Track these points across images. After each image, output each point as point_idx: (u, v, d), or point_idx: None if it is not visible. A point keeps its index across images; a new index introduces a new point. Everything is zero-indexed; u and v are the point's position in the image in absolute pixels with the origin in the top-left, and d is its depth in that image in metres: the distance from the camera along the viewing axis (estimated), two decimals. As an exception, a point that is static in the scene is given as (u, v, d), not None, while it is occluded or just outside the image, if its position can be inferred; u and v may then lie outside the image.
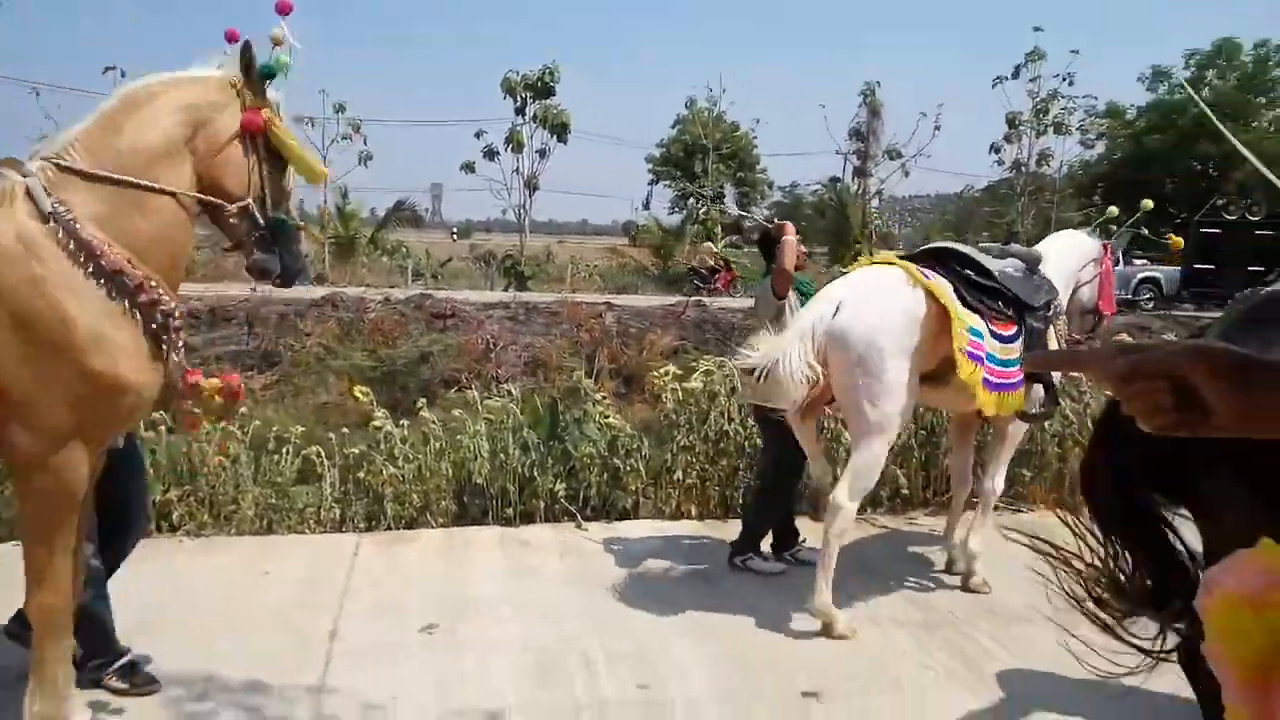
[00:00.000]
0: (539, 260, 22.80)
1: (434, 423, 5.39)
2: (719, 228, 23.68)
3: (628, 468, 5.33)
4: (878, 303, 3.88)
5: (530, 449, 5.32)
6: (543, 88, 21.88)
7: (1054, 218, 19.69)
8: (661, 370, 5.78)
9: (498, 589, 4.25)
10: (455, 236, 42.94)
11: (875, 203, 26.75)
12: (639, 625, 3.91)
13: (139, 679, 3.14)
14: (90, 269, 2.44)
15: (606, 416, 5.48)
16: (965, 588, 4.43)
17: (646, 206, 31.50)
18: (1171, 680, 3.46)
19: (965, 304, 3.95)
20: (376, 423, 5.27)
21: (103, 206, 2.51)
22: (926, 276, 3.94)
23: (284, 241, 2.81)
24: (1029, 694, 3.37)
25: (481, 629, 3.82)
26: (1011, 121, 22.03)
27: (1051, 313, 4.25)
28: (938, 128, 22.51)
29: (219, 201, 2.71)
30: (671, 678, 3.44)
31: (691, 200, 36.60)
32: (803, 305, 4.30)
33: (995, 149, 22.99)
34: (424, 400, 5.89)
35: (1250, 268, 7.79)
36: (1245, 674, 0.81)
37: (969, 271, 4.13)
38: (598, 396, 5.75)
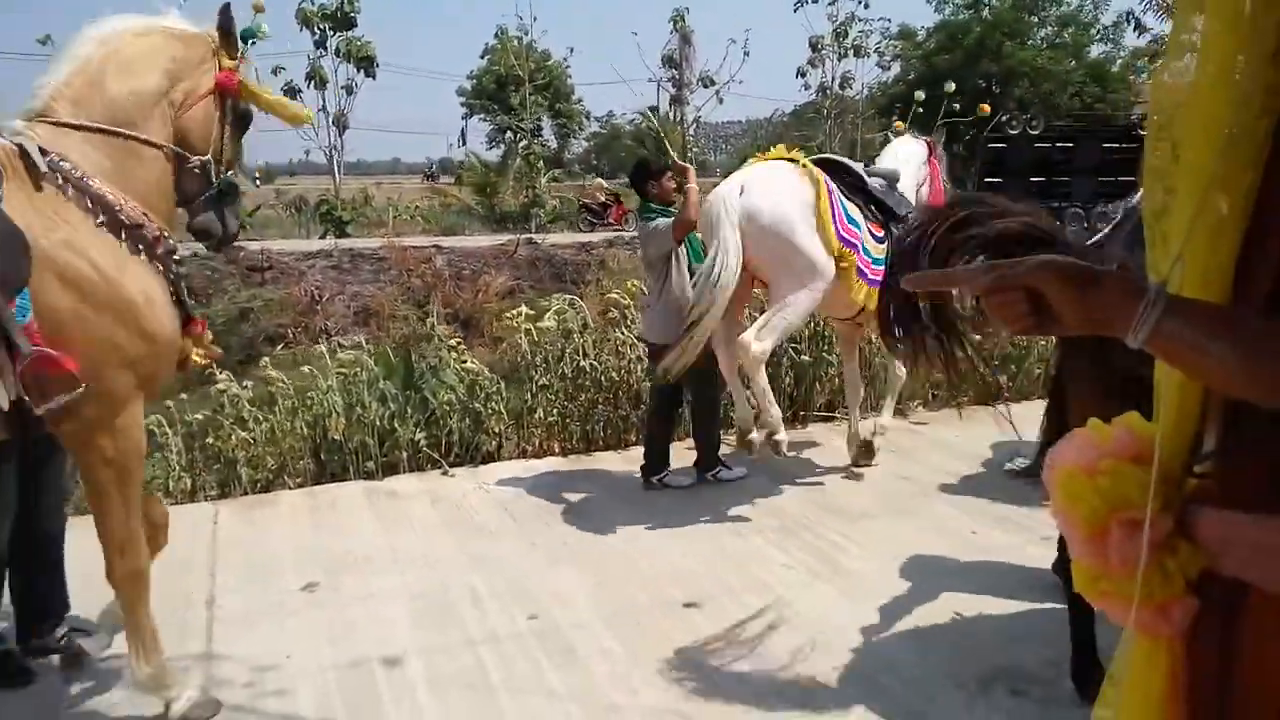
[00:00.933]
0: (356, 204, 21.82)
1: (282, 381, 5.24)
2: (541, 161, 23.44)
3: (489, 411, 5.40)
4: (777, 183, 4.34)
5: (388, 400, 5.29)
6: (343, 19, 20.66)
7: (858, 139, 20.71)
8: (515, 311, 5.83)
9: (372, 541, 4.27)
10: (259, 182, 40.26)
11: (693, 130, 27.19)
12: (518, 562, 4.04)
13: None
14: (111, 224, 2.41)
15: (463, 361, 5.49)
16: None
17: (463, 142, 30.62)
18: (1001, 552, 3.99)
19: (845, 198, 4.47)
20: (220, 385, 5.07)
21: (105, 160, 2.46)
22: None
23: (228, 203, 2.85)
24: (881, 581, 3.78)
25: (363, 581, 3.85)
26: (814, 45, 22.83)
27: None
28: (746, 54, 23.02)
29: (184, 153, 2.69)
30: (556, 606, 3.61)
31: (509, 134, 35.98)
32: (689, 242, 4.71)
33: (801, 73, 23.79)
34: (266, 360, 5.69)
35: (1031, 178, 8.55)
36: (1085, 531, 1.03)
37: (847, 178, 4.63)
38: (452, 343, 5.74)
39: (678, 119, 26.20)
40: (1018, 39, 27.78)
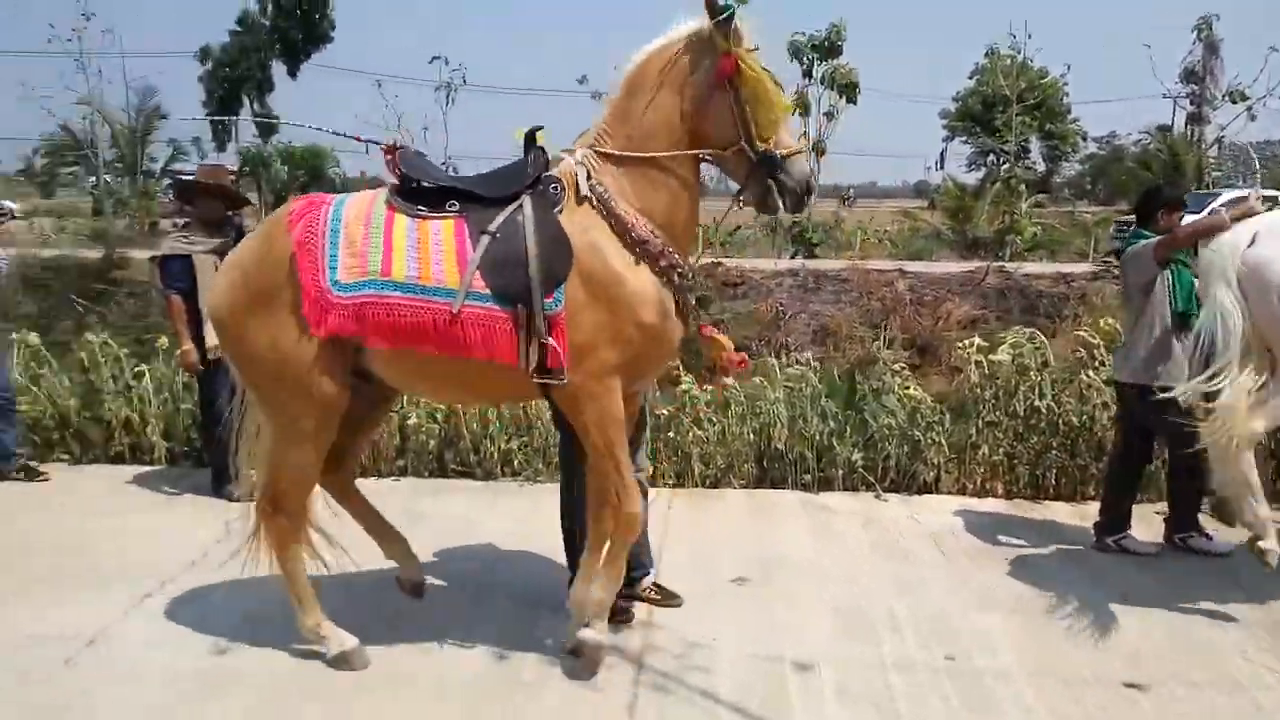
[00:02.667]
0: (827, 226, 22.50)
1: (735, 388, 5.67)
2: (1023, 185, 22.05)
3: (928, 441, 5.31)
4: None
5: (828, 417, 5.46)
6: (830, 47, 21.44)
7: None
8: (966, 341, 5.65)
9: (803, 550, 4.47)
10: (741, 204, 43.21)
11: (1214, 151, 23.54)
12: (943, 597, 3.95)
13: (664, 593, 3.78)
14: (625, 238, 2.98)
15: (906, 388, 5.47)
16: None
17: (941, 166, 29.91)
18: None
19: None
20: (683, 386, 5.64)
21: (628, 184, 3.03)
22: None
23: (776, 172, 2.96)
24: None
25: (789, 586, 4.05)
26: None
27: None
28: (1290, 62, 19.37)
29: (710, 153, 3.07)
30: (977, 650, 3.47)
31: (991, 156, 34.31)
32: (1176, 276, 4.09)
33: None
34: (736, 369, 6.18)
35: None
36: None
37: None
38: (896, 367, 5.75)
39: (1194, 138, 22.93)
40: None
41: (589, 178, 3.01)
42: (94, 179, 25.66)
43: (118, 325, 7.96)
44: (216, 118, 28.49)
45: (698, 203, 3.18)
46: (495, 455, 5.56)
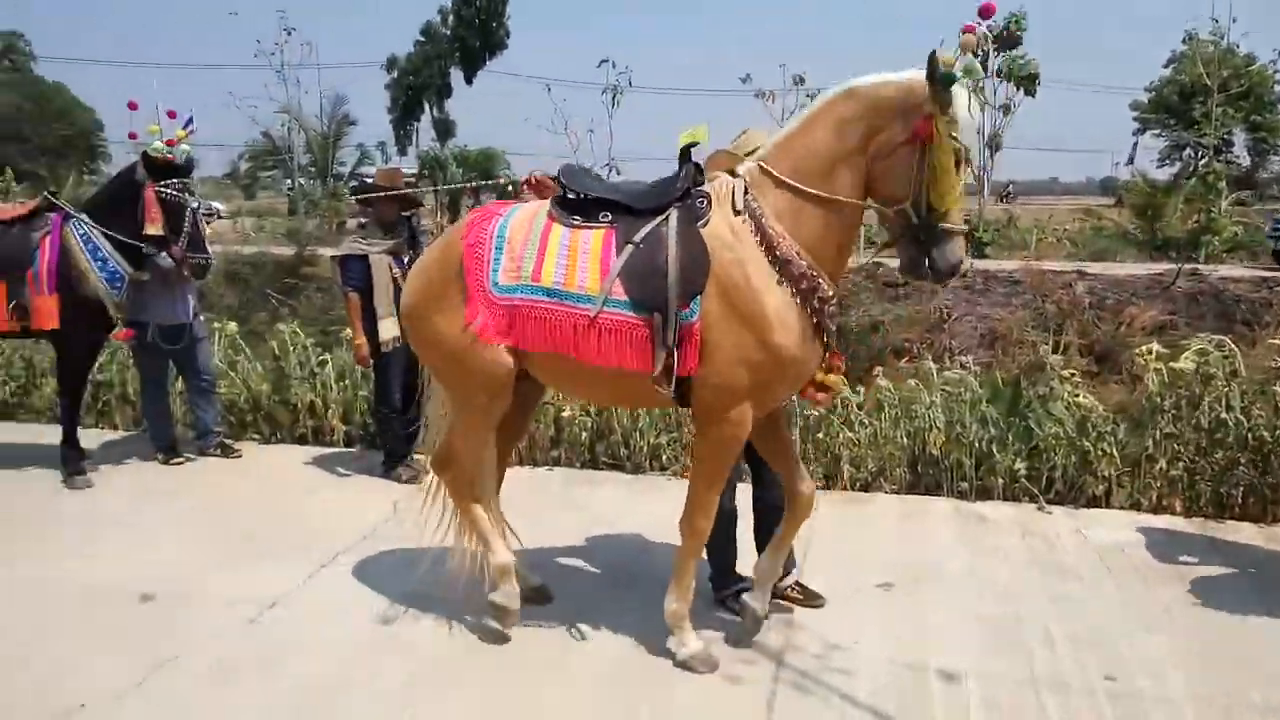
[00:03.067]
0: (999, 225, 21.48)
1: (889, 390, 5.54)
2: (1223, 182, 20.26)
3: (1099, 451, 5.00)
4: None
5: (989, 424, 5.24)
6: (1008, 38, 20.41)
7: None
8: (1145, 348, 5.29)
9: (953, 559, 4.32)
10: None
11: None
12: (1104, 617, 3.73)
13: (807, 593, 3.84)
14: (770, 256, 3.01)
15: (1076, 395, 5.18)
16: None
17: (1131, 161, 27.88)
18: None
19: None
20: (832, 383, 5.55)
21: (785, 204, 3.05)
22: None
23: (935, 243, 2.91)
24: None
25: (936, 594, 3.94)
26: None
27: None
28: None
29: (875, 206, 3.05)
30: (1141, 674, 3.26)
31: (1188, 151, 31.73)
32: None
33: None
34: (880, 369, 6.06)
35: None
36: None
37: None
38: (1065, 373, 5.45)
39: None
40: None
41: (745, 192, 3.05)
42: (290, 182, 27.84)
43: (306, 317, 8.63)
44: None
45: (853, 239, 3.20)
46: (645, 449, 5.67)
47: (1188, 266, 12.52)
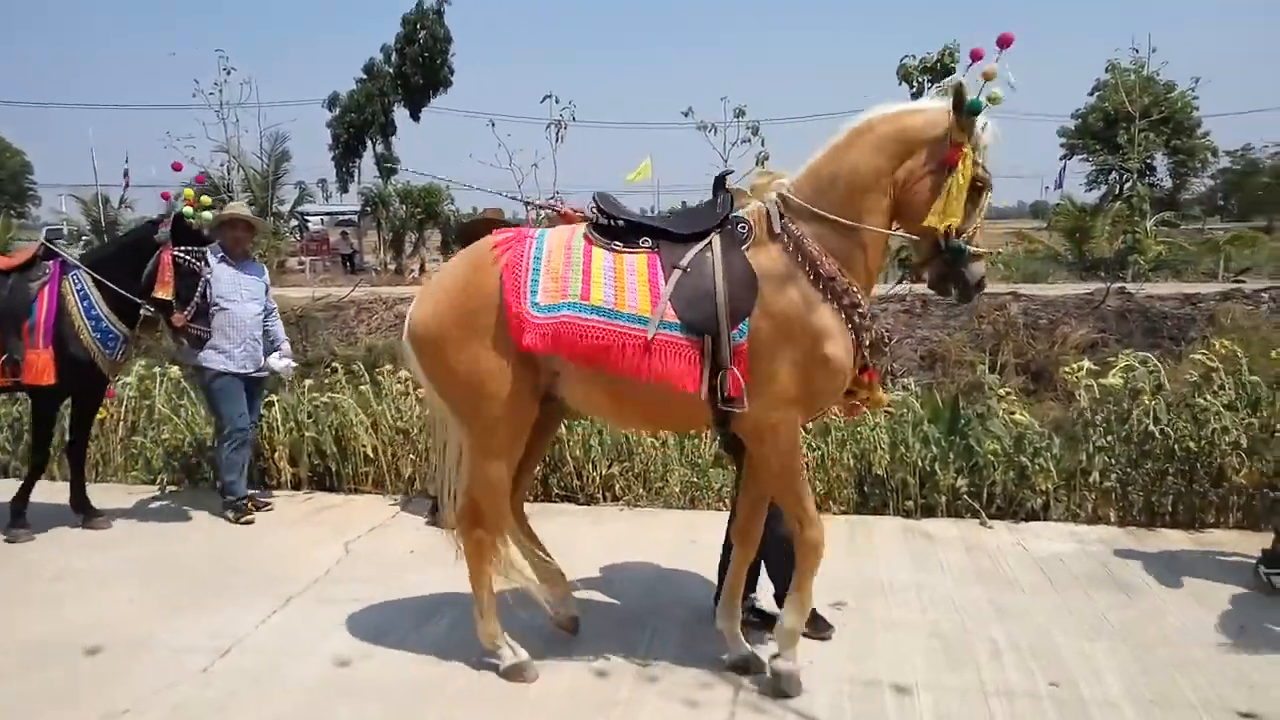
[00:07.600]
0: (936, 250, 22.01)
1: (835, 413, 5.66)
2: (1147, 203, 21.10)
3: (1036, 466, 5.18)
4: None
5: (931, 443, 5.39)
6: (942, 70, 21.10)
7: None
8: (1075, 365, 5.51)
9: (902, 576, 4.43)
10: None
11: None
12: (1047, 625, 3.86)
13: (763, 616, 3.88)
14: (813, 275, 3.11)
15: (1012, 413, 5.36)
16: None
17: (1059, 185, 28.83)
18: None
19: None
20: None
21: (819, 227, 3.16)
22: None
23: (961, 264, 3.12)
24: None
25: (887, 611, 4.04)
26: None
27: None
28: None
29: (902, 234, 3.21)
30: (1084, 679, 3.39)
31: (1113, 175, 32.91)
32: None
33: None
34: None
35: None
36: None
37: None
38: (1001, 392, 5.64)
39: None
40: None
41: (781, 216, 3.16)
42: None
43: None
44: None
45: (880, 261, 3.32)
46: (597, 480, 5.72)
47: (1116, 286, 13.00)
